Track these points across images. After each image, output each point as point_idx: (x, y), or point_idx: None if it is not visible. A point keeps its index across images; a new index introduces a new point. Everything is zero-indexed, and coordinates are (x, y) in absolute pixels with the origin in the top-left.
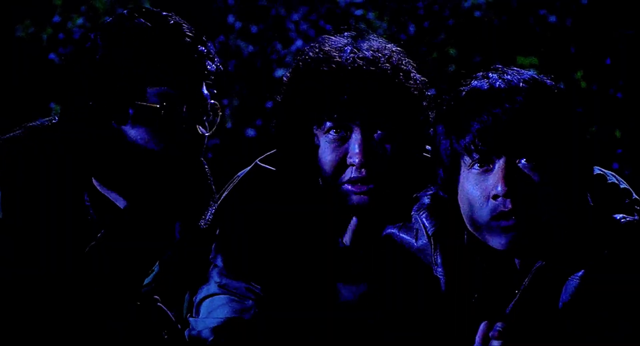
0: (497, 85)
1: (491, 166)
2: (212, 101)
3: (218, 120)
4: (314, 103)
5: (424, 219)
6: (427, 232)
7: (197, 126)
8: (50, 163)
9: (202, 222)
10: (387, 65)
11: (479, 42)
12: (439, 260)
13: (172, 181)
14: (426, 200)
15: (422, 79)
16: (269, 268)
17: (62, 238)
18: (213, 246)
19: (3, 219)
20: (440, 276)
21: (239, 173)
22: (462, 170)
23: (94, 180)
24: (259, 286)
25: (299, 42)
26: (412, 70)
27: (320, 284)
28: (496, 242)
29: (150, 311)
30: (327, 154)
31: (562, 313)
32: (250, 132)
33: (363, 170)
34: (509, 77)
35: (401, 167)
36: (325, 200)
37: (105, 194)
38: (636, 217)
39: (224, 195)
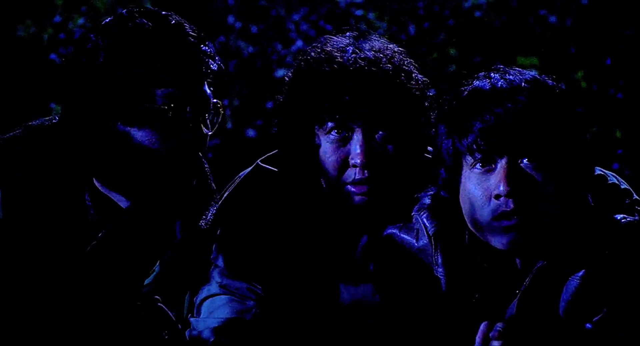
0: (499, 85)
1: (493, 166)
2: (215, 100)
3: (220, 119)
4: (316, 104)
5: (424, 219)
6: (427, 232)
7: (201, 126)
8: (50, 163)
9: (202, 222)
10: (389, 65)
11: (479, 42)
12: (440, 261)
13: (174, 181)
14: (427, 201)
15: (424, 79)
16: (270, 268)
17: (62, 238)
18: (214, 246)
19: (3, 219)
20: (441, 277)
21: (240, 174)
22: (463, 170)
23: (94, 181)
24: (260, 287)
25: (299, 43)
26: (414, 71)
27: (320, 284)
28: (498, 241)
29: (151, 311)
30: (328, 155)
31: (562, 313)
32: (251, 132)
33: (365, 171)
34: (511, 77)
35: (402, 167)
36: (326, 200)
37: (107, 194)
38: (636, 218)
39: (225, 195)
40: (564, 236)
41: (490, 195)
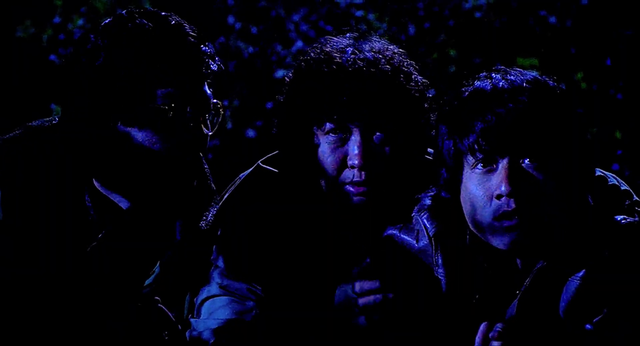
0: (500, 86)
1: (494, 166)
2: (215, 101)
3: (220, 120)
4: (314, 104)
5: (425, 220)
6: (428, 233)
7: (201, 126)
8: (50, 163)
9: (202, 223)
10: (388, 66)
11: (479, 43)
12: (440, 261)
13: (175, 181)
14: (427, 201)
15: (423, 80)
16: (270, 269)
17: (62, 238)
18: (214, 247)
19: (3, 219)
20: (441, 277)
21: (240, 175)
22: (464, 170)
23: (95, 181)
24: (260, 288)
25: (299, 43)
26: (414, 72)
27: (321, 285)
28: (499, 241)
29: (151, 311)
30: (327, 155)
31: (562, 313)
32: (251, 133)
33: (363, 172)
34: (512, 77)
35: (401, 168)
36: (326, 201)
37: (107, 195)
38: (636, 218)
39: (225, 196)
40: (564, 236)
41: (492, 195)
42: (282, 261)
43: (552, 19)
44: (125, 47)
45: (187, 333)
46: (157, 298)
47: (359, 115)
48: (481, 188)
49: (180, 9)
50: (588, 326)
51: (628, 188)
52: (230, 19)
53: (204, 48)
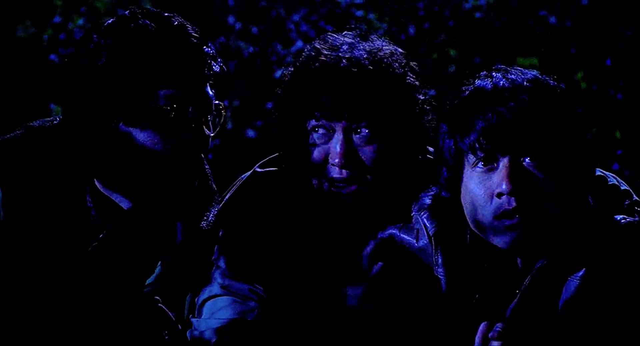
0: (501, 84)
1: (495, 165)
2: (217, 101)
3: (221, 121)
4: (302, 102)
5: (424, 219)
6: (428, 233)
7: (203, 127)
8: (50, 163)
9: (203, 223)
10: (374, 66)
11: (479, 43)
12: (440, 261)
13: (176, 182)
14: (427, 201)
15: (417, 82)
16: (271, 269)
17: (62, 238)
18: (216, 247)
19: (3, 219)
20: (441, 277)
21: (241, 176)
22: (465, 169)
23: (95, 181)
24: (261, 288)
25: (299, 43)
26: (408, 73)
27: (322, 285)
28: (499, 240)
29: (151, 311)
30: (313, 153)
31: (562, 313)
32: (251, 133)
33: (344, 170)
34: (512, 76)
35: (398, 167)
36: (326, 200)
37: (108, 195)
38: (636, 218)
39: (227, 197)
40: (564, 236)
41: (492, 194)
42: (283, 261)
43: (552, 19)
44: (127, 47)
45: (188, 333)
46: (157, 298)
47: (340, 113)
48: (482, 186)
49: (180, 8)
50: (587, 325)
51: (628, 188)
52: (231, 19)
53: (206, 49)
